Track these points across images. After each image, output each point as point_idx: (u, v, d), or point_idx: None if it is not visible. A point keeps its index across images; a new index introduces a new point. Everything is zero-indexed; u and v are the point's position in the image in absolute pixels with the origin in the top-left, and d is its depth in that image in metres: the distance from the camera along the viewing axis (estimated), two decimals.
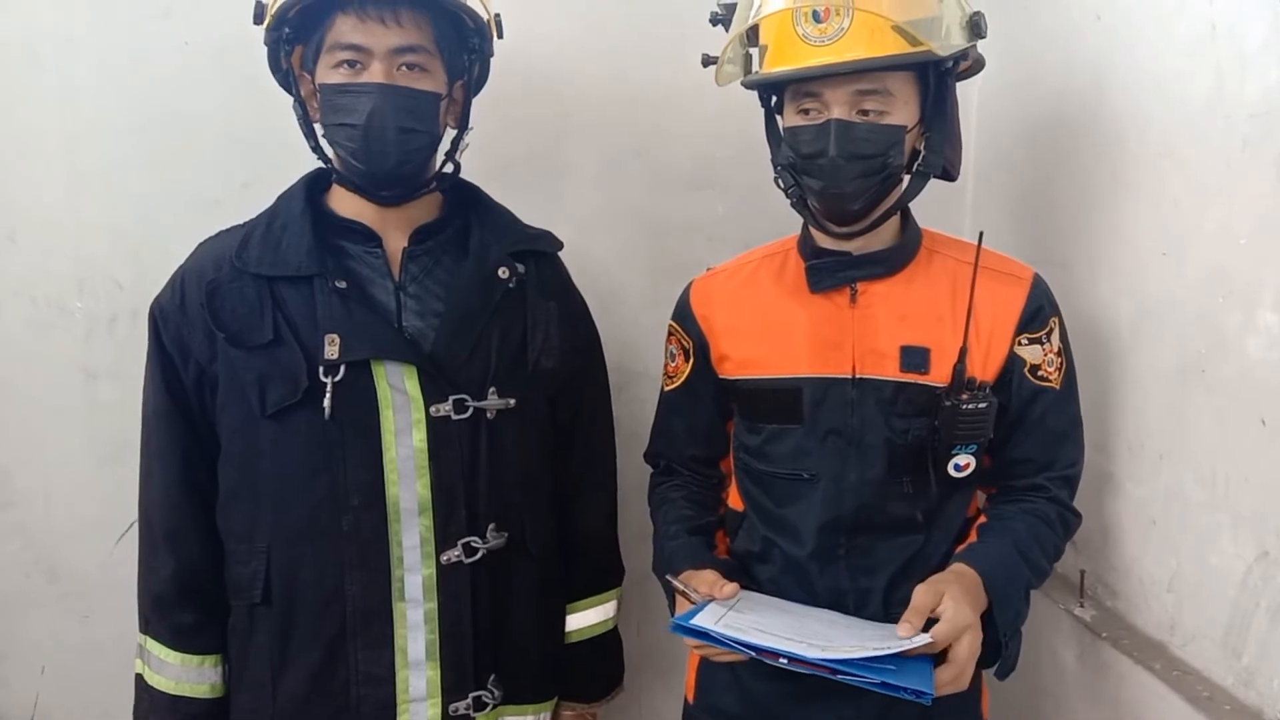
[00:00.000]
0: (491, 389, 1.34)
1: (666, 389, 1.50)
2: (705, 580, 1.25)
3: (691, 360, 1.44)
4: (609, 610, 1.58)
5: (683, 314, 1.45)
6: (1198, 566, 1.28)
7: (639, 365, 1.87)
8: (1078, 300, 1.40)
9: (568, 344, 1.46)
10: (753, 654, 1.10)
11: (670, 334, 1.48)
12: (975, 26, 1.26)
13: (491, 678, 1.38)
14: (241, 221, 1.38)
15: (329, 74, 1.27)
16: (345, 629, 1.30)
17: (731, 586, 1.23)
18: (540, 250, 1.46)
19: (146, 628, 1.36)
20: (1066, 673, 1.52)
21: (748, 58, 1.33)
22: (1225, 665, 1.24)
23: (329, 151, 1.33)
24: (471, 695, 1.36)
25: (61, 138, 1.66)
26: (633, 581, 1.73)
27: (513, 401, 1.36)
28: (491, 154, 1.76)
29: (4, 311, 1.69)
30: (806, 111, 1.25)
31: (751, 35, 1.31)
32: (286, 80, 1.34)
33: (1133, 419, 1.41)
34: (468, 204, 1.44)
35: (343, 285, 1.29)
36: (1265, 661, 1.17)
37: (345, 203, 1.36)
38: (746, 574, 1.37)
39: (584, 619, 1.55)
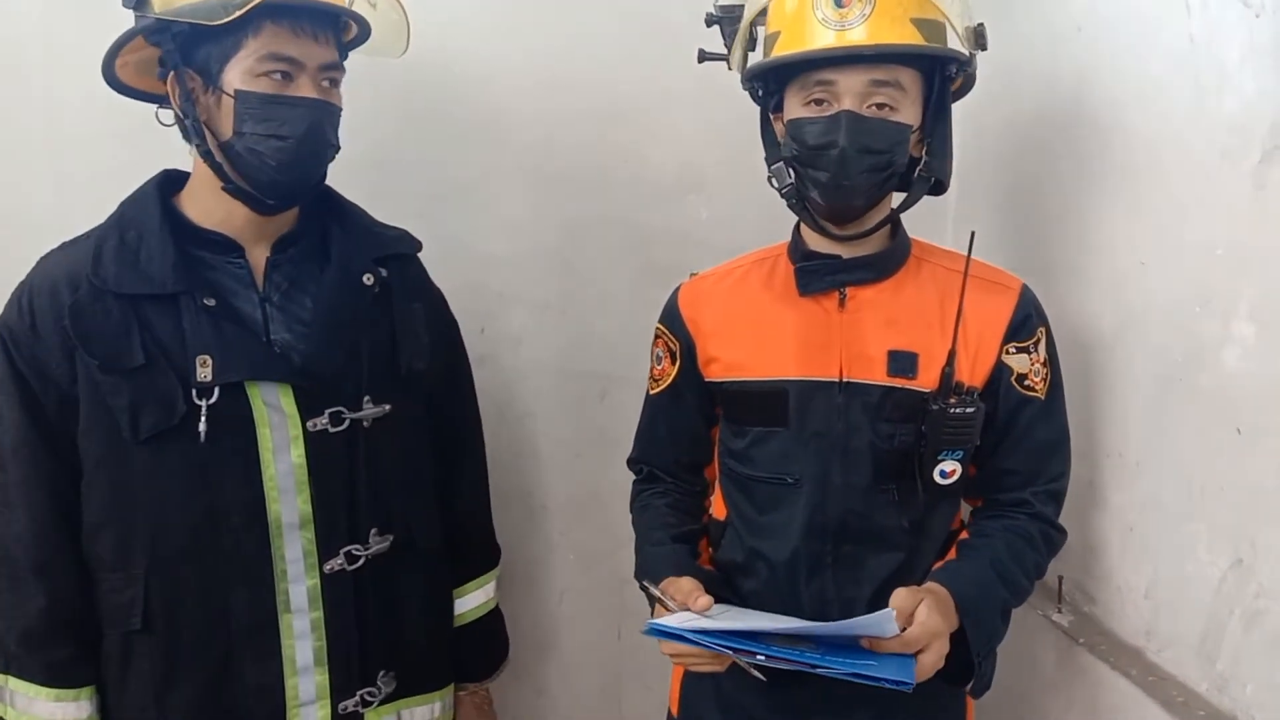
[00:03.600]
0: (366, 398, 1.34)
1: (652, 393, 1.49)
2: (682, 589, 1.23)
3: (678, 363, 1.43)
4: (490, 591, 1.61)
5: (670, 316, 1.44)
6: (1174, 574, 1.30)
7: (621, 371, 1.85)
8: (1058, 309, 1.41)
9: (435, 342, 1.46)
10: (728, 651, 1.10)
11: (657, 337, 1.47)
12: (979, 37, 1.27)
13: (381, 673, 1.39)
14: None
15: (253, 81, 1.22)
16: (232, 645, 1.29)
17: (706, 600, 1.19)
18: (401, 253, 1.45)
19: (8, 667, 1.28)
20: (1044, 678, 1.53)
21: (745, 54, 1.33)
22: (1200, 671, 1.25)
23: (218, 156, 1.26)
24: (360, 692, 1.36)
25: (46, 143, 1.64)
26: (614, 587, 1.73)
27: (388, 407, 1.35)
28: (481, 159, 1.77)
29: None
30: (817, 102, 1.23)
31: (755, 28, 1.31)
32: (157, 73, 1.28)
33: (1112, 427, 1.42)
34: (323, 208, 1.41)
35: (211, 303, 1.25)
36: (1239, 668, 1.18)
37: (207, 211, 1.31)
38: (729, 586, 1.36)
39: (469, 602, 1.58)
